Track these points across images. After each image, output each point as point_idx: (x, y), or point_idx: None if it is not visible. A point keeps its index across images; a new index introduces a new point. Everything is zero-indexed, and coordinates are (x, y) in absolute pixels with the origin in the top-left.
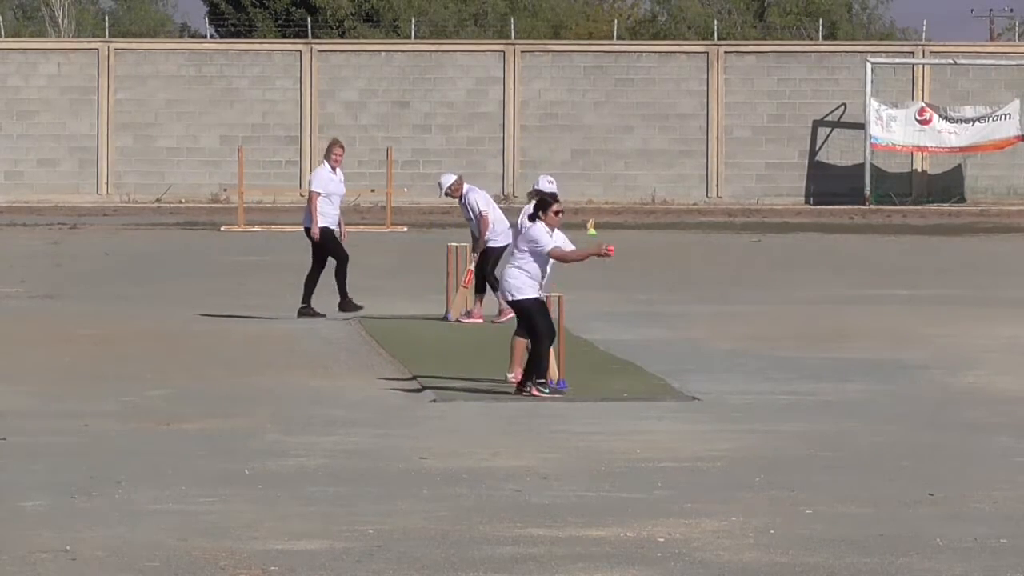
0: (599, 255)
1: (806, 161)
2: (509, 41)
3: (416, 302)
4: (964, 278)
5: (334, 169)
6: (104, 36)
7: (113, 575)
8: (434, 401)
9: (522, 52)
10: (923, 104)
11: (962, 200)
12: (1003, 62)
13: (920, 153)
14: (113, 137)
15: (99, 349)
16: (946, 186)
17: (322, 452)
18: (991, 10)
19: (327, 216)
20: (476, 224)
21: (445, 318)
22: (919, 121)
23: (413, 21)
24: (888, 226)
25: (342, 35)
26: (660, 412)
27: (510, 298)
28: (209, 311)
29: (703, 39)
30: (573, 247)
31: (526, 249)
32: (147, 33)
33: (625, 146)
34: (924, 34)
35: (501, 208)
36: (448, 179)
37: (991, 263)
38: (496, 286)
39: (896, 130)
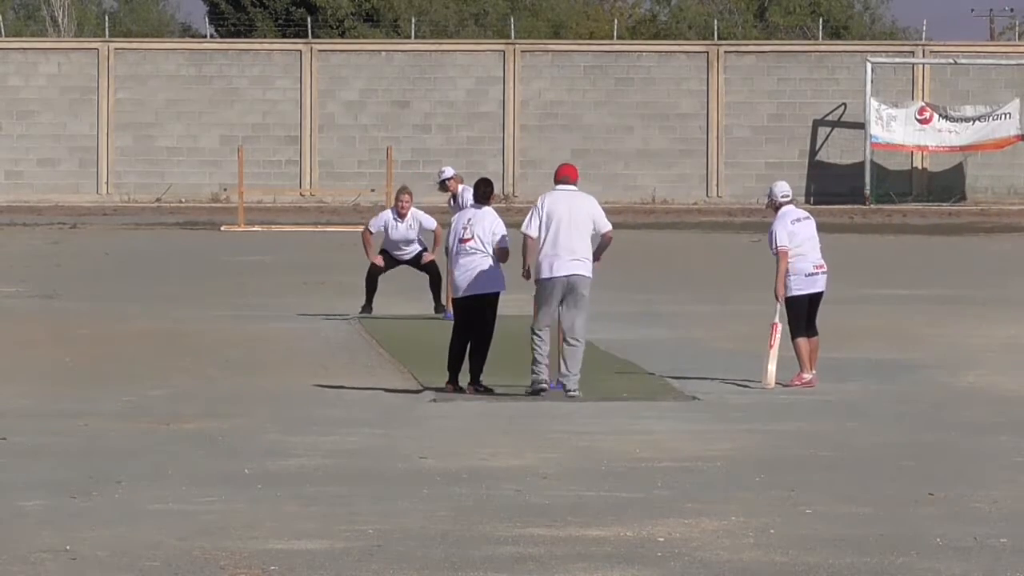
0: None
1: (806, 161)
2: (509, 41)
3: (416, 302)
4: (964, 278)
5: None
6: (104, 36)
7: (113, 575)
8: (434, 401)
9: (522, 52)
10: (923, 104)
11: (963, 198)
12: (1003, 62)
13: (920, 152)
14: (113, 137)
15: (99, 349)
16: (947, 185)
17: (322, 452)
18: (991, 10)
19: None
20: None
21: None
22: (919, 120)
23: (413, 21)
24: (888, 226)
25: (342, 35)
26: (660, 412)
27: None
28: (209, 311)
29: (703, 39)
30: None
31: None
32: (148, 33)
33: (625, 146)
34: (924, 34)
35: (501, 207)
36: (449, 171)
37: (991, 263)
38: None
39: (896, 130)
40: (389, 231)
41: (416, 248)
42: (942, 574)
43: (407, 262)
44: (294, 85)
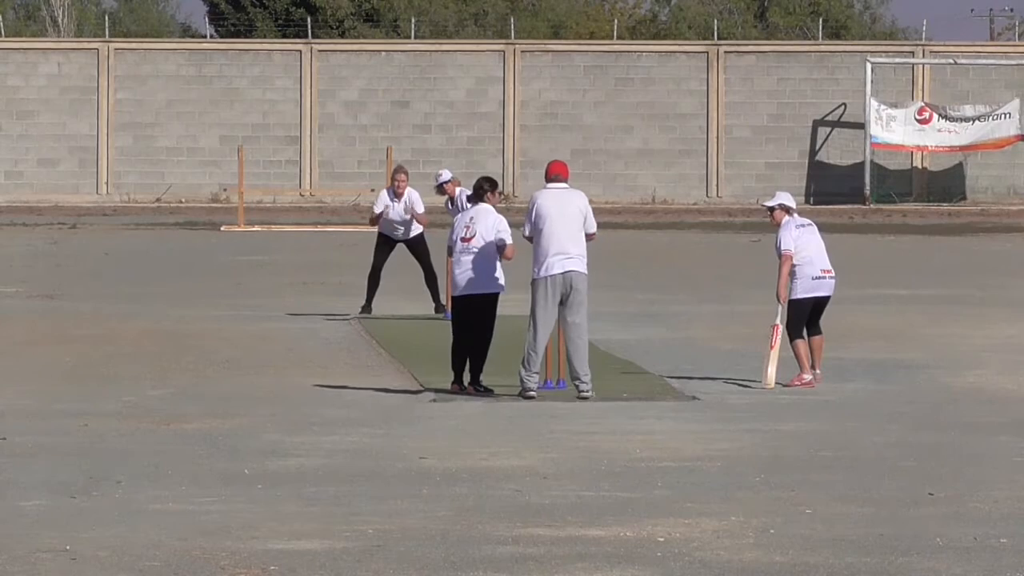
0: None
1: (806, 161)
2: (509, 41)
3: (416, 302)
4: (964, 278)
5: (397, 196)
6: (104, 36)
7: (113, 575)
8: (434, 401)
9: (522, 52)
10: (923, 104)
11: (963, 198)
12: (1003, 62)
13: (920, 152)
14: (113, 137)
15: (99, 349)
16: (947, 185)
17: (322, 452)
18: (991, 10)
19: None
20: None
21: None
22: (919, 121)
23: (413, 21)
24: (888, 226)
25: (342, 35)
26: (660, 412)
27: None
28: (209, 311)
29: (703, 39)
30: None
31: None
32: (148, 33)
33: (625, 146)
34: (924, 34)
35: (501, 208)
36: (447, 174)
37: (991, 263)
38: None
39: (896, 130)
40: (388, 212)
41: (411, 227)
42: (942, 574)
43: (403, 241)
44: (294, 85)
